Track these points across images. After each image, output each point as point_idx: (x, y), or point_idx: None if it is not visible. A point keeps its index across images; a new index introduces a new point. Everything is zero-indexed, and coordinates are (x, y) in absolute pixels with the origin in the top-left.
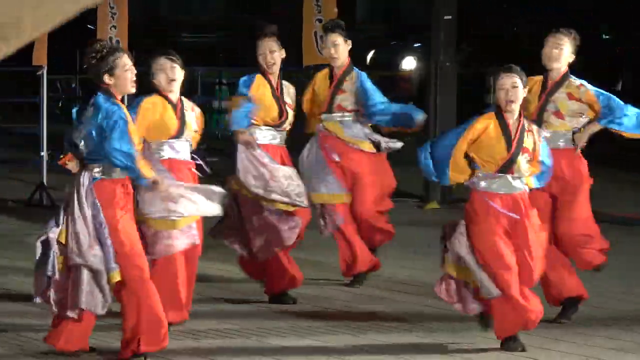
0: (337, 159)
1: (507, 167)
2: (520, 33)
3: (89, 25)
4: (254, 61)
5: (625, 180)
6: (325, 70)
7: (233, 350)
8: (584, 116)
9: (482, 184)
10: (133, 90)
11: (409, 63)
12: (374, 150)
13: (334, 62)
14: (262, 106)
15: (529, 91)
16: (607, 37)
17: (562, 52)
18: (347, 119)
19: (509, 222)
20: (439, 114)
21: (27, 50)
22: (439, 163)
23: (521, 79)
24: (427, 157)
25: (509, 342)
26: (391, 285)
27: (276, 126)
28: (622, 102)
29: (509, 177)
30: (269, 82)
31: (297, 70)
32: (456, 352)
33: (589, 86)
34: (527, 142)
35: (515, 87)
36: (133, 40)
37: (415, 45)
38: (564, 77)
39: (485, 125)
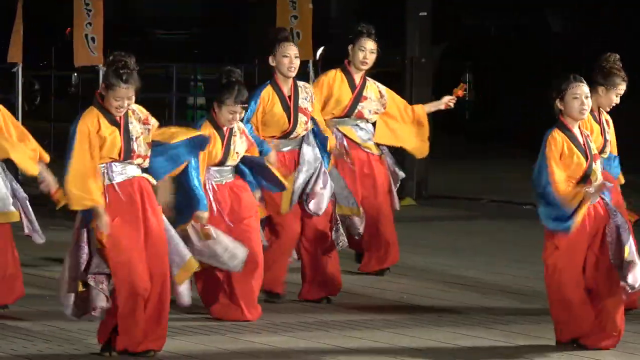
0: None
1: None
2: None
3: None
4: (231, 58)
5: None
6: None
7: (207, 347)
8: None
9: None
10: (116, 114)
11: None
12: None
13: (365, 67)
14: (271, 120)
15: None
16: None
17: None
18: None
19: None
20: None
21: (2, 48)
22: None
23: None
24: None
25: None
26: (366, 281)
27: (284, 136)
28: None
29: None
30: (280, 91)
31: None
32: (430, 349)
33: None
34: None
35: (587, 97)
36: (108, 37)
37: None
38: None
39: (561, 140)
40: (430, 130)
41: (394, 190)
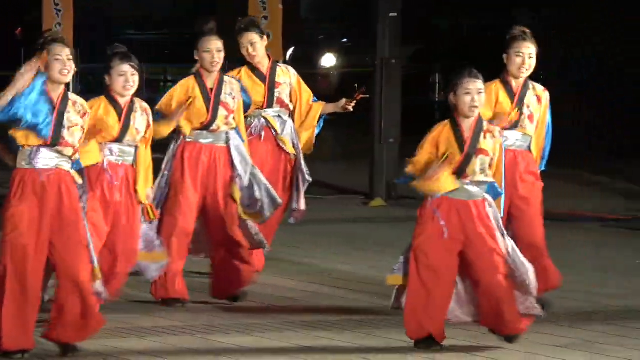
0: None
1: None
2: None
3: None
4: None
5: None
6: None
7: (178, 348)
8: None
9: None
10: (64, 79)
11: (328, 60)
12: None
13: (254, 59)
14: (191, 111)
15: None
16: None
17: (533, 60)
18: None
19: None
20: (384, 111)
21: None
22: None
23: (483, 84)
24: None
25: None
26: (337, 282)
27: (203, 128)
28: None
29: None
30: (203, 83)
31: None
32: (401, 349)
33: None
34: (485, 144)
35: (480, 93)
36: (79, 37)
37: (342, 40)
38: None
39: (440, 131)
40: (401, 132)
41: (302, 192)
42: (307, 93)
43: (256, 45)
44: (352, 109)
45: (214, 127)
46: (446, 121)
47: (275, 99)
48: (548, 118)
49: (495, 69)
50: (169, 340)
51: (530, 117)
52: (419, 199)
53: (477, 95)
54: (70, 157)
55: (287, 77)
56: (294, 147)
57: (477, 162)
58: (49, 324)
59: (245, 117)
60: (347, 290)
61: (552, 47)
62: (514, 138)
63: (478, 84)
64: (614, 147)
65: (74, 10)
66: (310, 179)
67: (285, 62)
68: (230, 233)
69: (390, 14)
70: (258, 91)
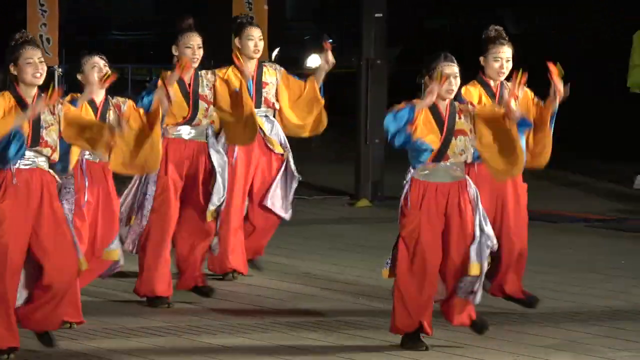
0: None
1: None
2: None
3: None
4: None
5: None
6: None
7: (164, 349)
8: None
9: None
10: (37, 82)
11: (314, 60)
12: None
13: (257, 54)
14: (173, 105)
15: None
16: None
17: (510, 63)
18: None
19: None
20: (370, 111)
21: None
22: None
23: (458, 68)
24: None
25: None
26: (323, 283)
27: (186, 123)
28: None
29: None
30: (180, 79)
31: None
32: (387, 349)
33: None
34: (462, 125)
35: (456, 77)
36: (64, 38)
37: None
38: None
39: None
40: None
41: (291, 192)
42: (297, 81)
43: (261, 42)
44: (332, 59)
45: (196, 121)
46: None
47: (262, 99)
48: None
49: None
50: (155, 341)
51: None
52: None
53: (453, 79)
54: (49, 157)
55: (274, 76)
56: (281, 146)
57: (456, 143)
58: (25, 310)
59: None
60: (333, 291)
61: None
62: None
63: (454, 67)
64: (597, 147)
65: (59, 10)
66: (300, 177)
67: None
68: (200, 228)
69: (376, 15)
70: (246, 91)
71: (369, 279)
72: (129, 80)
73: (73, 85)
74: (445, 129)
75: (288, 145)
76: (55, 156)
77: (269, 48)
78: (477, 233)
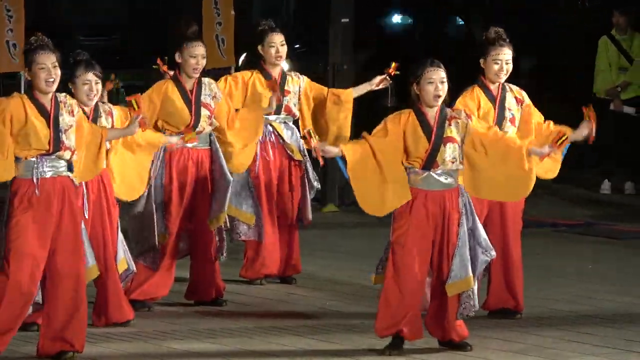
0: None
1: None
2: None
3: None
4: (150, 64)
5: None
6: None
7: (130, 353)
8: None
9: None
10: (48, 89)
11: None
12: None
13: (279, 61)
14: (173, 114)
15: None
16: None
17: (510, 65)
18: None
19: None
20: None
21: None
22: None
23: (446, 74)
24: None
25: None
26: (291, 288)
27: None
28: None
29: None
30: (181, 86)
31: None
32: (348, 353)
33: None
34: (452, 133)
35: (443, 82)
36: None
37: (295, 46)
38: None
39: (405, 120)
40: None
41: (308, 199)
42: (321, 88)
43: (284, 48)
44: (388, 85)
45: (199, 128)
46: (408, 110)
47: (283, 106)
48: (538, 113)
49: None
50: (121, 346)
51: (512, 120)
52: None
53: (441, 84)
54: (68, 160)
55: (297, 85)
56: (300, 153)
57: (446, 151)
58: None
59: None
60: (299, 296)
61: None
62: None
63: (441, 72)
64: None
65: (25, 15)
66: (319, 186)
67: (237, 68)
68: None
69: (342, 20)
70: (267, 97)
71: (338, 284)
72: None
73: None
74: (433, 137)
75: (306, 153)
76: (74, 157)
77: (236, 53)
78: (461, 244)
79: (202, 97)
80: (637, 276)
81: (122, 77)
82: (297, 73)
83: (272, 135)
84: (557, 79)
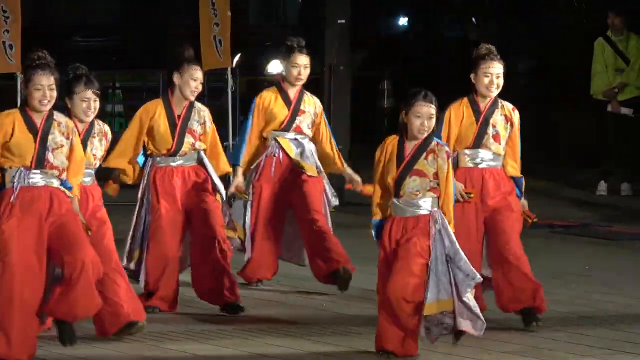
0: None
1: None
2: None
3: None
4: (148, 65)
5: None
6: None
7: (127, 354)
8: None
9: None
10: (41, 108)
11: (275, 67)
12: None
13: (299, 82)
14: (156, 136)
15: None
16: None
17: (501, 80)
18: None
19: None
20: (333, 118)
21: None
22: None
23: (436, 109)
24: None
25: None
26: (286, 289)
27: (170, 155)
28: None
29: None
30: (170, 109)
31: None
32: (351, 354)
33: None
34: (424, 166)
35: (431, 118)
36: (26, 44)
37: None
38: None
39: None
40: (349, 138)
41: (328, 214)
42: (327, 130)
43: (307, 70)
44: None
45: (180, 152)
46: (393, 137)
47: (294, 125)
48: (520, 139)
49: (438, 76)
50: (118, 347)
51: (496, 137)
52: (365, 204)
53: (427, 120)
54: (58, 177)
55: (312, 106)
56: (315, 169)
57: (409, 183)
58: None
59: (263, 137)
60: (297, 297)
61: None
62: (480, 157)
63: (431, 109)
64: (561, 153)
65: (22, 15)
66: (337, 202)
67: (232, 69)
68: (212, 248)
69: (339, 21)
70: (281, 113)
71: (334, 285)
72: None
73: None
74: (401, 168)
75: (322, 170)
76: (64, 176)
77: (232, 54)
78: (432, 267)
79: (190, 123)
80: (633, 277)
81: (120, 78)
82: (313, 96)
83: (279, 151)
84: (557, 79)
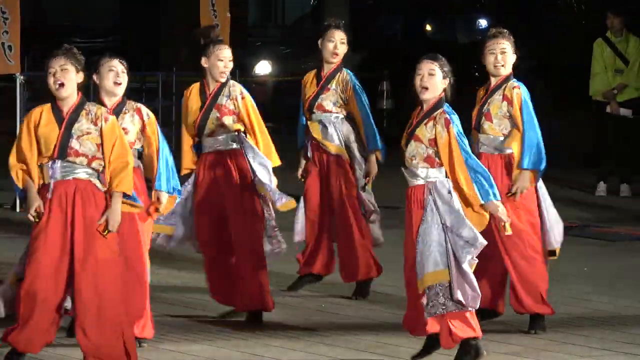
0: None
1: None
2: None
3: None
4: (148, 67)
5: None
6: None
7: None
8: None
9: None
10: (58, 92)
11: (263, 67)
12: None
13: (335, 58)
14: (189, 117)
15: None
16: None
17: (508, 56)
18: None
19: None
20: None
21: None
22: None
23: (441, 68)
24: None
25: None
26: (286, 290)
27: (198, 133)
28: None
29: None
30: (204, 90)
31: (196, 75)
32: (352, 354)
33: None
34: (421, 131)
35: (431, 75)
36: (25, 45)
37: (280, 47)
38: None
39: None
40: None
41: (360, 194)
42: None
43: (343, 46)
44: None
45: (206, 130)
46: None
47: (316, 103)
48: (525, 115)
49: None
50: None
51: (487, 116)
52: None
53: (427, 77)
54: (89, 166)
55: (340, 85)
56: (341, 148)
57: (409, 148)
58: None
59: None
60: (297, 297)
61: None
62: (482, 142)
63: (430, 64)
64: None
65: (21, 17)
66: (363, 183)
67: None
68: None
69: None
70: (309, 94)
71: (334, 285)
72: (91, 88)
73: (35, 93)
74: (408, 132)
75: (353, 150)
76: (97, 164)
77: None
78: (420, 240)
79: (219, 99)
80: (632, 279)
81: None
82: (350, 75)
83: (310, 136)
84: (557, 79)
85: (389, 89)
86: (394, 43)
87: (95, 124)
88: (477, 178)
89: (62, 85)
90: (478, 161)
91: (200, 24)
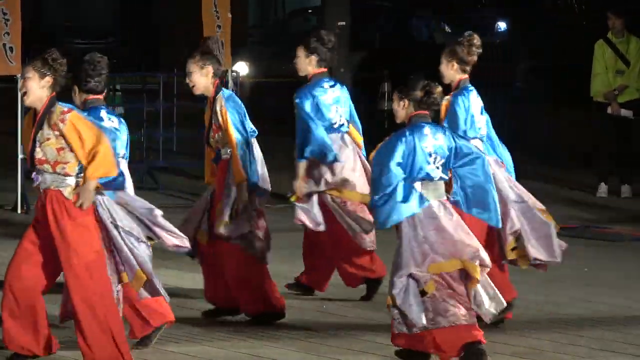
0: None
1: None
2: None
3: None
4: (148, 66)
5: None
6: None
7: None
8: None
9: None
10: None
11: (238, 68)
12: None
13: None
14: None
15: None
16: None
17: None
18: None
19: None
20: None
21: None
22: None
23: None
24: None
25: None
26: (285, 291)
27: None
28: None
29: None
30: None
31: None
32: (351, 355)
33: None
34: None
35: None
36: (26, 46)
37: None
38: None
39: None
40: None
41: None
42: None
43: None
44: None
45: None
46: None
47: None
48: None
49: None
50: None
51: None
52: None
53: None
54: (54, 172)
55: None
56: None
57: None
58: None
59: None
60: (296, 299)
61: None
62: None
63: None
64: (561, 155)
65: (22, 18)
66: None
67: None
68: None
69: (339, 23)
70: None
71: (334, 286)
72: None
73: None
74: None
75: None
76: (68, 169)
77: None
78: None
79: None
80: (633, 279)
81: (120, 80)
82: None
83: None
84: (557, 79)
85: (390, 90)
86: (396, 43)
87: (54, 129)
88: None
89: (24, 94)
90: None
91: (203, 25)
